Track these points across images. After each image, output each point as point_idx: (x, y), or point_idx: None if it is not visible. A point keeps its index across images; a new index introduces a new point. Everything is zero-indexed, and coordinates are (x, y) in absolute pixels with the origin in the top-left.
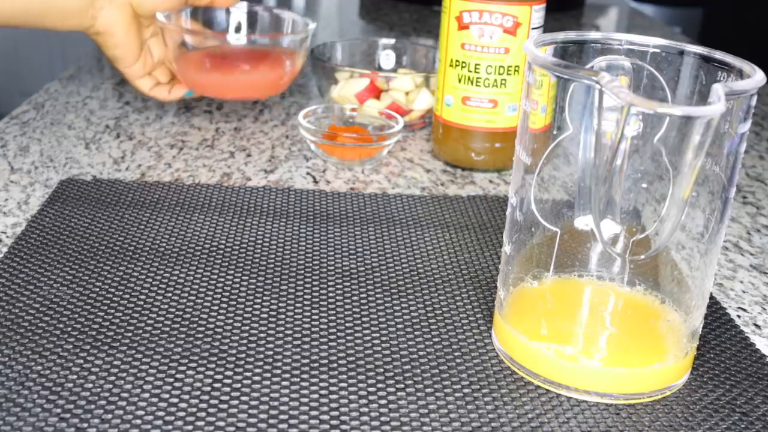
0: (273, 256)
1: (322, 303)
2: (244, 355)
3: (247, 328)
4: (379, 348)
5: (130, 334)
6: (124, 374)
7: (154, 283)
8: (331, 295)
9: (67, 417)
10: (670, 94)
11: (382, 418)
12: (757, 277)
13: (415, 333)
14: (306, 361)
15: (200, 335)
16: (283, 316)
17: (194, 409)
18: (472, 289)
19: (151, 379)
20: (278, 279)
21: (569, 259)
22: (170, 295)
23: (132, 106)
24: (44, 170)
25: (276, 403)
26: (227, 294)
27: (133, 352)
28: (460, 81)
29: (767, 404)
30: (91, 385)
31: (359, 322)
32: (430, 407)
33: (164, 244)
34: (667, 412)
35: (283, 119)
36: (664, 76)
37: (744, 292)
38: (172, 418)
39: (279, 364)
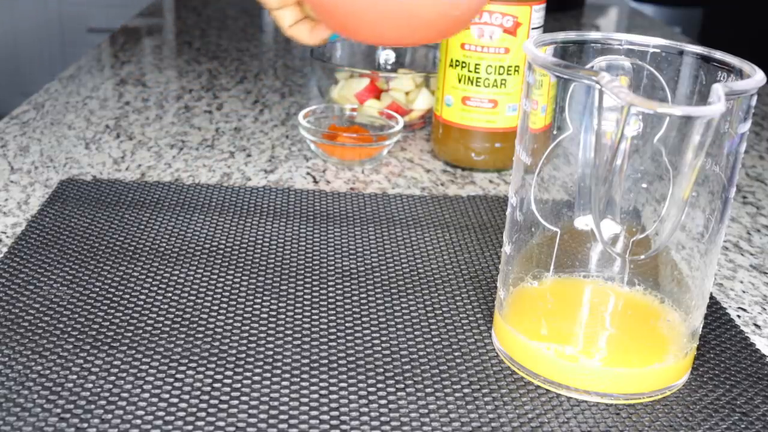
0: (273, 256)
1: (322, 303)
2: (244, 355)
3: (247, 328)
4: (379, 348)
5: (130, 334)
6: (124, 374)
7: (154, 283)
8: (331, 295)
9: (67, 417)
10: (670, 94)
11: (382, 418)
12: (757, 277)
13: (415, 333)
14: (306, 361)
15: (200, 335)
16: (283, 316)
17: (194, 409)
18: (472, 289)
19: (151, 379)
20: (278, 279)
21: (569, 259)
22: (170, 295)
23: (132, 106)
24: (44, 170)
25: (276, 403)
26: (227, 294)
27: (133, 352)
28: (460, 81)
29: (767, 404)
30: (91, 385)
31: (359, 322)
32: (430, 407)
33: (164, 244)
34: (667, 412)
35: (283, 119)
36: (664, 76)
37: (744, 292)
38: (172, 418)
39: (279, 364)
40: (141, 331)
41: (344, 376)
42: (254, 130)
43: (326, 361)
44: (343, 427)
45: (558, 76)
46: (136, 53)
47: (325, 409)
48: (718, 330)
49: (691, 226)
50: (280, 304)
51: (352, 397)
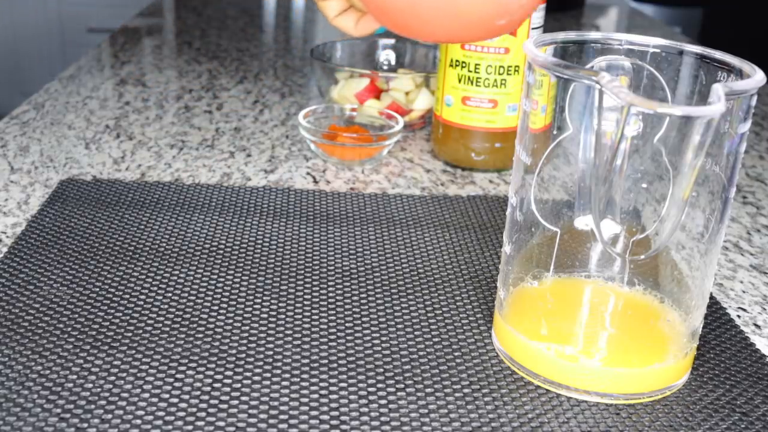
0: (273, 256)
1: (322, 303)
2: (244, 355)
3: (247, 328)
4: (379, 348)
5: (130, 334)
6: (124, 374)
7: (154, 283)
8: (331, 295)
9: (67, 417)
10: (670, 94)
11: (382, 418)
12: (757, 277)
13: (415, 333)
14: (306, 361)
15: (200, 335)
16: (283, 316)
17: (194, 409)
18: (472, 289)
19: (151, 379)
20: (278, 279)
21: (569, 259)
22: (170, 295)
23: (132, 106)
24: (44, 170)
25: (276, 403)
26: (227, 294)
27: (133, 352)
28: (460, 81)
29: (767, 404)
30: (91, 385)
31: (359, 322)
32: (430, 407)
33: (164, 244)
34: (667, 412)
35: (283, 119)
36: (664, 76)
37: (744, 292)
38: (172, 418)
39: (279, 364)
40: (141, 331)
41: (344, 376)
42: (254, 130)
43: (326, 361)
44: (343, 427)
45: (558, 76)
46: (136, 53)
47: (325, 409)
48: (718, 330)
49: (691, 226)
50: (280, 304)
51: (352, 397)
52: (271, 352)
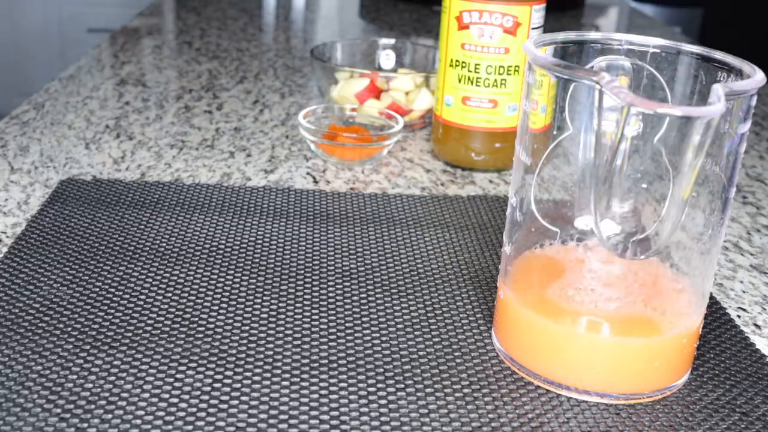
0: (273, 256)
1: (322, 303)
2: (244, 355)
3: (247, 328)
4: (379, 348)
5: (130, 334)
6: (124, 374)
7: (154, 283)
8: (331, 295)
9: (67, 417)
10: (670, 94)
11: (382, 418)
12: (757, 277)
13: (415, 333)
14: (306, 361)
15: (200, 335)
16: (283, 316)
17: (194, 409)
18: (472, 289)
19: (151, 379)
20: (278, 279)
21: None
22: (170, 295)
23: (132, 106)
24: (44, 170)
25: (276, 403)
26: (227, 294)
27: (133, 352)
28: (460, 81)
29: (767, 404)
30: (91, 385)
31: (359, 322)
32: (430, 407)
33: (164, 244)
34: (667, 412)
35: (283, 119)
36: (664, 76)
37: (744, 292)
38: (172, 418)
39: (279, 364)
40: (141, 331)
41: (344, 376)
42: (254, 130)
43: (326, 361)
44: (343, 427)
45: (558, 76)
46: (136, 53)
47: (325, 409)
48: (718, 330)
49: (691, 226)
50: (280, 304)
51: (352, 397)
52: (271, 352)
